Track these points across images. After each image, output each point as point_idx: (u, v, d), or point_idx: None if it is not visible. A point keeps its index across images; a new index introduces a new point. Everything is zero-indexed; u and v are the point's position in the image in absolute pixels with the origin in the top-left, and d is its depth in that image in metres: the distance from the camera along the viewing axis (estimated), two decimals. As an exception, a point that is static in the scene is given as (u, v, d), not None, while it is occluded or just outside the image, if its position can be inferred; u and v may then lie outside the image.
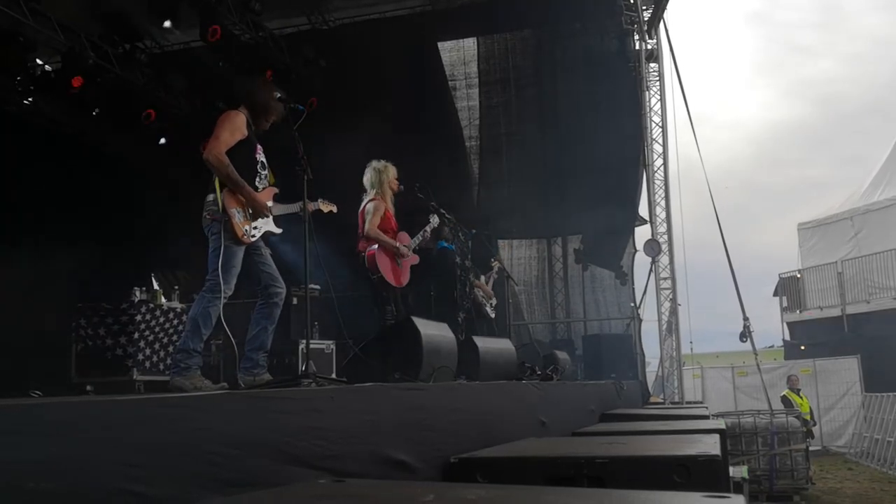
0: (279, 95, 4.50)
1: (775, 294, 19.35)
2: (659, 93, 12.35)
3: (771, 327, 20.65)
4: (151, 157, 10.45)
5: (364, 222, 5.69)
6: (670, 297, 12.03)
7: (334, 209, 4.83)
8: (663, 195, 12.23)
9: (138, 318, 6.82)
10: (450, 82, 11.38)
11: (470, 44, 11.38)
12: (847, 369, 14.97)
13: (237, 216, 4.08)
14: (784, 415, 10.97)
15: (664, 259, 12.00)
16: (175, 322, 7.15)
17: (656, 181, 12.19)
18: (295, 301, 6.50)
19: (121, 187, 10.25)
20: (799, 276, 18.72)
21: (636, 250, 12.11)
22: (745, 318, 11.49)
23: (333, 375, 6.00)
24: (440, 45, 11.14)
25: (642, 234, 12.13)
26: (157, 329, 7.00)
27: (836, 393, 15.03)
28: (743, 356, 15.14)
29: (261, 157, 4.34)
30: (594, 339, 11.69)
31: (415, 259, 6.00)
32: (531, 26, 11.11)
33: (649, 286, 11.79)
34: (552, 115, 11.61)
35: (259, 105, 4.34)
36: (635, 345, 11.25)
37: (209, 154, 4.02)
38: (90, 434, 1.61)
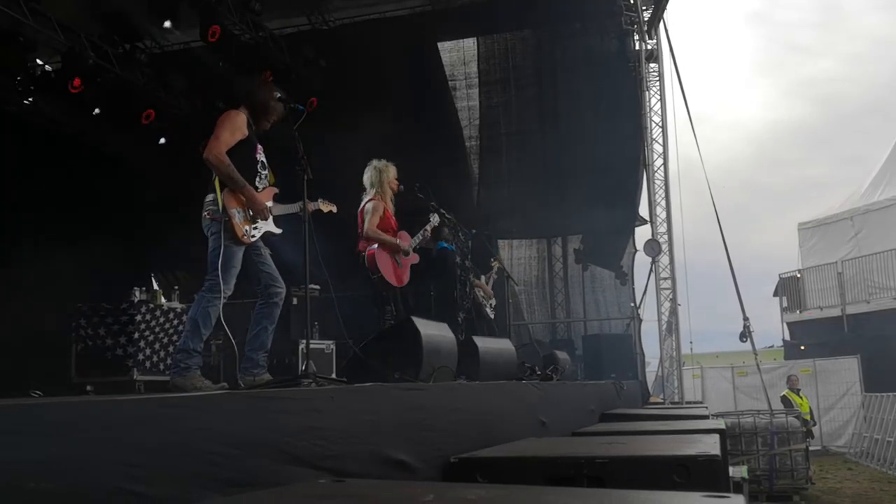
0: (279, 95, 4.50)
1: (775, 294, 19.36)
2: (659, 93, 12.35)
3: (771, 327, 20.68)
4: (151, 157, 10.46)
5: (363, 222, 5.69)
6: (670, 297, 12.03)
7: (334, 209, 4.83)
8: (663, 195, 12.23)
9: (138, 318, 6.82)
10: (450, 82, 11.39)
11: (470, 44, 11.38)
12: (847, 369, 14.97)
13: (237, 216, 4.08)
14: (784, 415, 10.98)
15: (664, 259, 12.00)
16: (175, 322, 7.15)
17: (656, 181, 12.19)
18: (295, 301, 6.49)
19: (121, 187, 10.25)
20: (799, 276, 18.72)
21: (636, 250, 12.11)
22: (745, 318, 11.50)
23: (333, 375, 5.99)
24: (440, 45, 11.14)
25: (642, 234, 12.16)
26: (157, 329, 7.00)
27: (835, 393, 15.03)
28: (743, 356, 15.15)
29: (261, 157, 4.34)
30: (594, 339, 11.69)
31: (415, 258, 6.00)
32: (531, 26, 11.11)
33: (649, 286, 11.80)
34: (552, 115, 11.62)
35: (259, 105, 4.34)
36: (635, 345, 11.25)
37: (209, 154, 4.02)
38: (90, 434, 1.61)
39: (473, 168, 11.98)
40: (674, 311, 12.03)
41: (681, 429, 3.93)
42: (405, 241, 5.87)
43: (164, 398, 2.00)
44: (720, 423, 4.45)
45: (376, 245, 5.64)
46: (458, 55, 11.45)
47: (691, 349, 13.12)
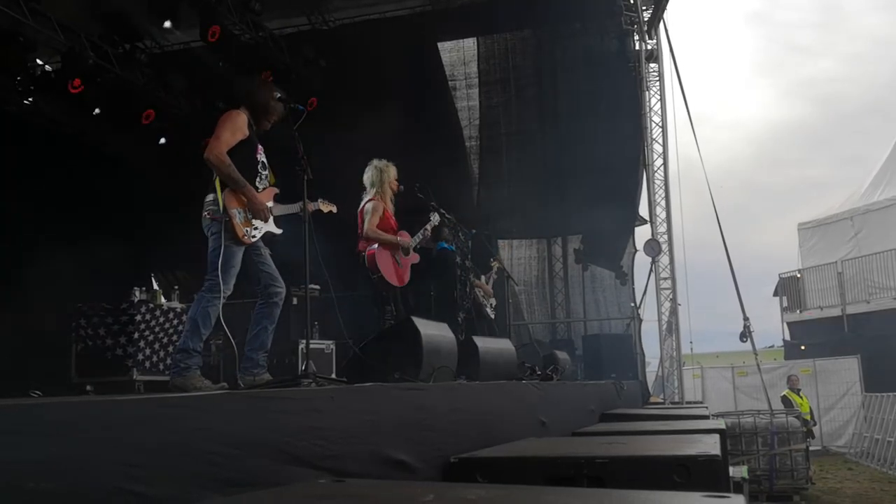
0: (279, 95, 4.50)
1: (775, 294, 19.36)
2: (659, 93, 12.35)
3: (771, 327, 20.68)
4: (151, 157, 10.45)
5: (363, 222, 5.69)
6: (670, 297, 12.03)
7: (334, 209, 4.83)
8: (663, 195, 12.23)
9: (138, 318, 6.82)
10: (450, 82, 11.39)
11: (470, 44, 11.38)
12: (847, 369, 14.97)
13: (238, 216, 4.08)
14: (784, 415, 10.98)
15: (664, 259, 12.00)
16: (175, 322, 7.14)
17: (656, 181, 12.19)
18: (295, 301, 6.49)
19: (121, 187, 10.25)
20: (799, 276, 18.72)
21: (636, 250, 12.11)
22: (745, 318, 11.50)
23: (333, 375, 5.99)
24: (440, 45, 11.14)
25: (642, 234, 12.16)
26: (157, 329, 6.99)
27: (836, 393, 15.03)
28: (743, 356, 15.15)
29: (261, 157, 4.34)
30: (594, 339, 11.69)
31: (415, 258, 6.00)
32: (531, 26, 11.11)
33: (649, 286, 11.80)
34: (552, 115, 11.62)
35: (259, 105, 4.34)
36: (635, 345, 11.25)
37: (210, 154, 4.02)
38: (90, 434, 1.61)
39: (473, 168, 11.98)
40: (674, 311, 12.03)
41: (681, 429, 3.93)
42: (405, 239, 5.86)
43: (164, 398, 2.00)
44: (720, 423, 4.45)
45: (376, 245, 5.64)
46: (458, 55, 11.45)
47: (691, 349, 13.13)
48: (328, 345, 7.02)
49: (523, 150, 11.86)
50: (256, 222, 4.20)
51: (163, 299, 7.42)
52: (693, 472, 2.35)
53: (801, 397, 12.77)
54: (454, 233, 7.02)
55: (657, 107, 12.38)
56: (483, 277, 8.75)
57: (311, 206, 4.40)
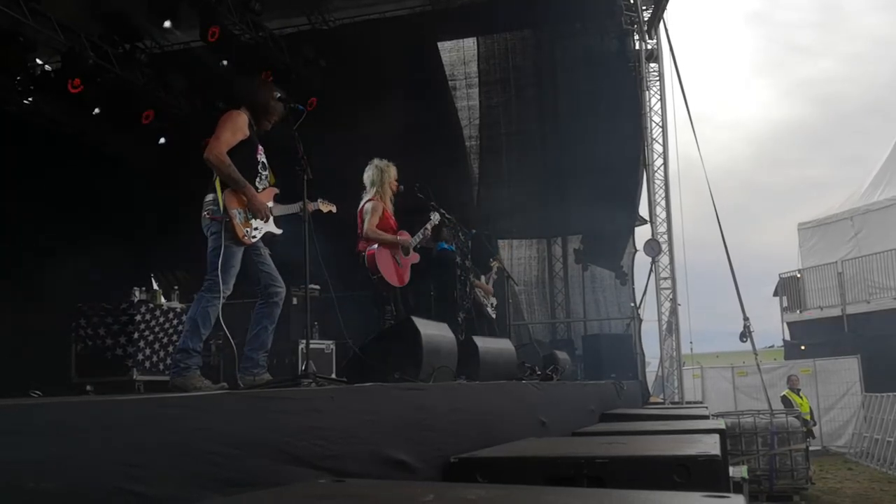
0: (279, 95, 4.50)
1: (775, 294, 19.36)
2: (659, 93, 12.35)
3: (771, 327, 20.69)
4: (151, 157, 10.46)
5: (363, 222, 5.69)
6: (670, 297, 12.03)
7: (334, 209, 4.83)
8: (663, 195, 12.23)
9: (138, 318, 6.82)
10: (450, 82, 11.39)
11: (470, 44, 11.38)
12: (847, 369, 14.97)
13: (238, 217, 4.08)
14: (784, 415, 10.98)
15: (664, 259, 12.00)
16: (175, 322, 7.14)
17: (656, 181, 12.19)
18: (295, 301, 6.49)
19: (121, 187, 10.25)
20: (799, 276, 18.73)
21: (636, 250, 12.11)
22: (745, 318, 11.50)
23: (333, 375, 5.99)
24: (440, 45, 11.14)
25: (642, 234, 12.16)
26: (156, 329, 6.99)
27: (836, 393, 15.03)
28: (743, 356, 15.15)
29: (262, 157, 4.34)
30: (594, 339, 11.69)
31: (415, 258, 6.00)
32: (531, 26, 11.11)
33: (649, 286, 11.80)
34: (552, 115, 11.62)
35: (260, 105, 4.35)
36: (635, 345, 11.25)
37: (210, 153, 4.02)
38: (90, 434, 1.61)
39: (473, 168, 11.98)
40: (674, 311, 12.03)
41: (681, 429, 3.93)
42: (405, 239, 5.86)
43: (164, 398, 2.00)
44: (720, 423, 4.45)
45: (376, 245, 5.64)
46: (458, 55, 11.45)
47: (691, 349, 13.13)
48: (328, 345, 7.02)
49: (523, 150, 11.86)
50: (256, 222, 4.20)
51: (163, 299, 7.41)
52: (693, 472, 2.35)
53: (801, 397, 12.76)
54: (454, 233, 7.02)
55: (657, 107, 12.39)
56: (483, 277, 8.75)
57: (311, 206, 4.40)
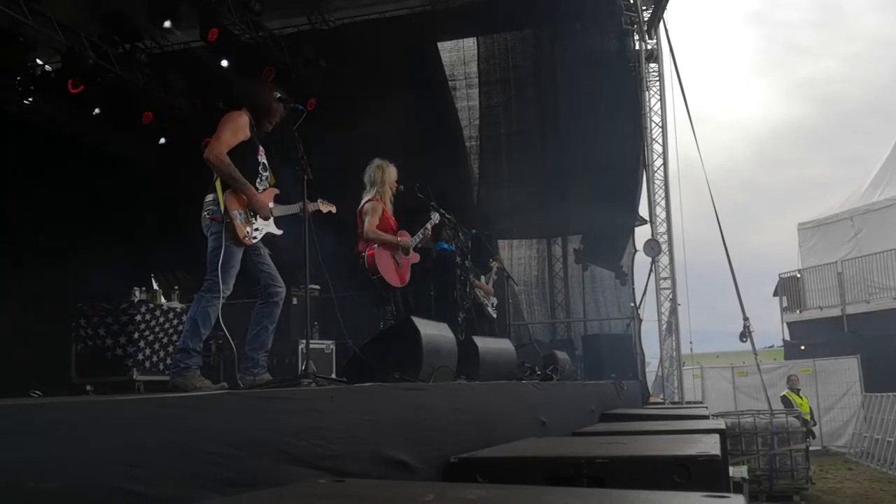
0: (279, 96, 4.50)
1: (775, 294, 19.36)
2: (659, 93, 12.34)
3: (771, 327, 20.69)
4: (151, 157, 10.46)
5: (363, 223, 5.69)
6: (670, 297, 12.02)
7: (333, 209, 4.83)
8: (663, 195, 12.23)
9: (138, 318, 6.82)
10: (450, 82, 11.38)
11: (470, 44, 11.37)
12: (847, 369, 14.97)
13: (239, 218, 4.08)
14: (784, 415, 10.98)
15: (664, 259, 12.00)
16: (175, 322, 7.14)
17: (656, 181, 12.19)
18: (295, 301, 6.49)
19: (121, 187, 10.25)
20: (799, 276, 18.73)
21: (636, 250, 12.10)
22: (745, 318, 11.49)
23: (333, 375, 5.99)
24: (440, 45, 11.13)
25: (642, 234, 12.15)
26: (157, 329, 6.99)
27: (836, 393, 15.03)
28: (743, 356, 15.14)
29: (262, 158, 4.34)
30: (594, 339, 11.68)
31: (415, 258, 6.00)
32: (531, 26, 11.10)
33: (649, 286, 11.79)
34: (552, 115, 11.61)
35: (261, 107, 4.35)
36: (635, 345, 11.25)
37: (210, 154, 4.03)
38: (90, 434, 1.61)
39: (473, 168, 11.97)
40: (674, 311, 12.03)
41: (681, 429, 3.93)
42: (405, 239, 5.86)
43: (164, 398, 2.00)
44: (720, 423, 4.45)
45: (376, 245, 5.63)
46: (458, 55, 11.45)
47: (691, 349, 13.13)
48: (328, 345, 7.02)
49: (523, 150, 11.85)
50: (257, 223, 4.20)
51: (163, 299, 7.42)
52: (693, 472, 2.35)
53: (800, 397, 12.76)
54: (454, 233, 7.02)
55: (657, 107, 12.38)
56: (483, 278, 8.75)
57: (311, 207, 4.41)
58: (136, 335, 6.74)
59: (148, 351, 6.85)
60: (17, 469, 1.43)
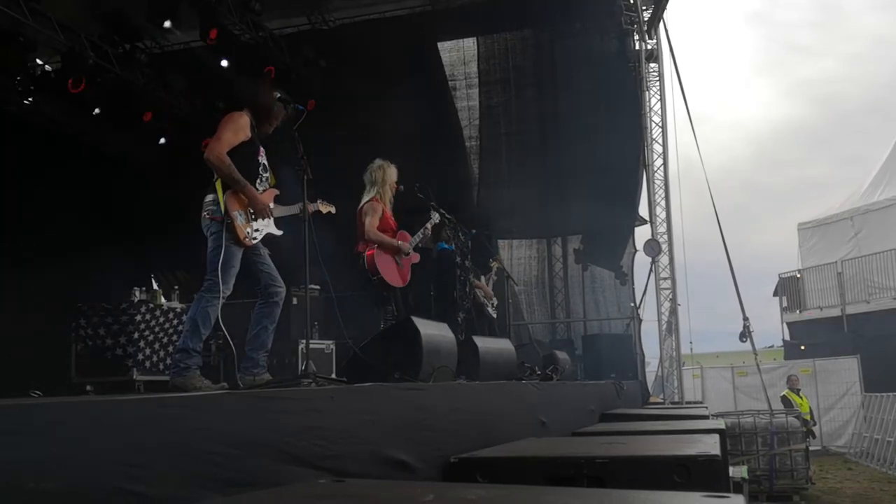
0: (279, 96, 4.50)
1: (775, 294, 19.36)
2: (659, 93, 12.34)
3: (771, 327, 20.69)
4: (151, 157, 10.46)
5: (363, 223, 5.68)
6: (670, 297, 12.02)
7: (333, 210, 4.84)
8: (663, 195, 12.23)
9: (138, 318, 6.82)
10: (450, 82, 11.38)
11: (470, 44, 11.37)
12: (847, 369, 14.97)
13: (239, 218, 4.08)
14: (784, 415, 10.97)
15: (664, 259, 12.00)
16: (175, 322, 7.15)
17: (656, 181, 12.19)
18: (295, 301, 6.49)
19: (121, 187, 10.25)
20: (799, 276, 18.73)
21: (636, 250, 12.11)
22: (745, 318, 11.50)
23: (333, 375, 5.99)
24: (440, 45, 11.13)
25: (642, 234, 12.15)
26: (156, 329, 7.00)
27: (835, 393, 15.03)
28: (743, 356, 15.14)
29: (262, 159, 4.35)
30: (594, 339, 11.68)
31: (416, 257, 6.00)
32: (531, 26, 11.10)
33: (649, 286, 11.79)
34: (552, 115, 11.61)
35: (262, 108, 4.35)
36: (635, 345, 11.25)
37: (210, 154, 4.03)
38: (90, 434, 1.61)
39: (473, 168, 11.97)
40: (674, 311, 12.03)
41: (681, 429, 3.93)
42: (405, 240, 5.86)
43: (164, 398, 2.00)
44: (720, 423, 4.45)
45: (376, 245, 5.63)
46: (458, 55, 11.45)
47: (691, 349, 13.13)
48: (328, 345, 7.03)
49: (523, 150, 11.85)
50: (257, 224, 4.20)
51: (163, 299, 7.42)
52: (693, 472, 2.35)
53: (800, 397, 12.76)
54: (454, 233, 7.01)
55: (657, 107, 12.38)
56: (483, 278, 8.75)
57: (311, 208, 4.41)
58: (136, 335, 6.74)
59: (148, 351, 6.85)
60: (17, 469, 1.43)
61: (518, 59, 11.42)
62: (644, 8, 11.51)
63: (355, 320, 5.44)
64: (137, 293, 6.98)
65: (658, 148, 12.35)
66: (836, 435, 14.79)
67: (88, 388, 6.48)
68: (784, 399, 12.58)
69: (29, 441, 1.48)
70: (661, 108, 12.31)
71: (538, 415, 4.42)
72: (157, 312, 7.07)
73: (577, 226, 12.78)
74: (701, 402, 12.30)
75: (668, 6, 11.53)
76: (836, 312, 17.12)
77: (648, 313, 11.77)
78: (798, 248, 19.45)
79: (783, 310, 19.02)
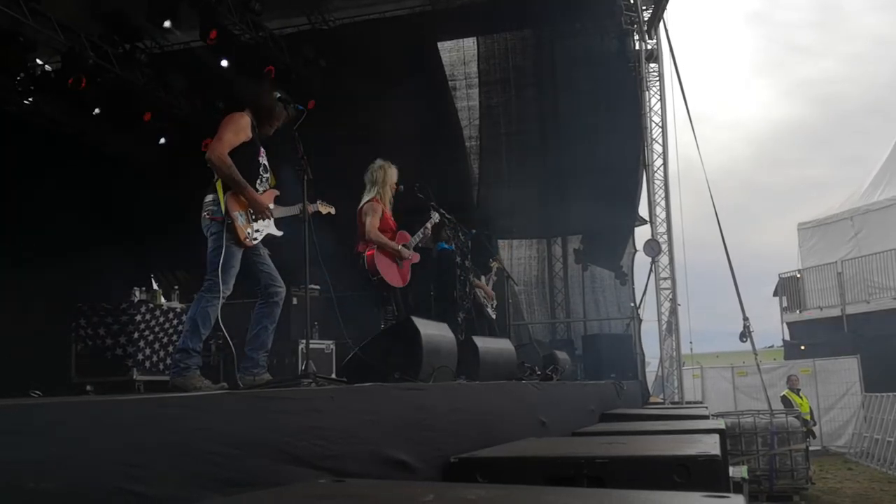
0: (279, 96, 4.50)
1: (775, 294, 19.36)
2: (659, 93, 12.34)
3: (771, 327, 20.69)
4: (151, 157, 10.46)
5: (363, 223, 5.68)
6: (670, 297, 12.02)
7: (332, 211, 4.84)
8: (663, 195, 12.22)
9: (138, 318, 6.83)
10: (450, 82, 11.38)
11: (470, 44, 11.37)
12: (847, 369, 14.97)
13: (240, 219, 4.08)
14: (784, 415, 10.97)
15: (664, 259, 12.00)
16: (175, 322, 7.15)
17: (656, 181, 12.19)
18: (295, 301, 6.49)
19: (121, 187, 10.25)
20: (799, 276, 18.73)
21: (636, 250, 12.10)
22: (745, 318, 11.49)
23: (333, 375, 5.99)
24: (440, 45, 11.13)
25: (642, 234, 12.15)
26: (156, 329, 7.00)
27: (835, 393, 15.03)
28: (743, 356, 15.14)
29: (263, 160, 4.35)
30: (594, 339, 11.68)
31: (416, 257, 6.00)
32: (531, 26, 11.10)
33: (649, 286, 11.79)
34: (552, 115, 11.60)
35: (263, 109, 4.35)
36: (635, 345, 11.24)
37: (211, 154, 4.03)
38: (90, 434, 1.61)
39: (473, 168, 11.97)
40: (674, 311, 12.03)
41: (681, 429, 3.93)
42: (405, 240, 5.86)
43: (164, 398, 2.00)
44: (720, 423, 4.45)
45: (376, 246, 5.63)
46: (458, 55, 11.45)
47: (691, 349, 13.13)
48: (328, 345, 7.03)
49: (523, 150, 11.85)
50: (258, 224, 4.21)
51: (163, 299, 7.42)
52: (693, 472, 2.34)
53: (800, 397, 12.76)
54: (454, 233, 7.01)
55: (657, 107, 12.38)
56: (483, 278, 8.75)
57: (311, 208, 4.41)
58: (136, 335, 6.74)
59: (148, 351, 6.85)
60: (17, 469, 1.43)
61: (518, 59, 11.42)
62: (644, 8, 11.51)
63: (355, 320, 5.44)
64: (137, 293, 6.98)
65: (658, 148, 12.36)
66: (836, 435, 14.79)
67: (88, 388, 6.49)
68: (784, 399, 12.58)
69: (29, 441, 1.48)
70: (661, 108, 12.32)
71: (538, 415, 4.42)
72: (157, 312, 7.07)
73: (577, 226, 12.77)
74: (701, 402, 12.30)
75: (668, 6, 11.55)
76: (836, 312, 17.12)
77: (648, 313, 11.78)
78: (798, 248, 19.46)
79: (783, 310, 19.02)
